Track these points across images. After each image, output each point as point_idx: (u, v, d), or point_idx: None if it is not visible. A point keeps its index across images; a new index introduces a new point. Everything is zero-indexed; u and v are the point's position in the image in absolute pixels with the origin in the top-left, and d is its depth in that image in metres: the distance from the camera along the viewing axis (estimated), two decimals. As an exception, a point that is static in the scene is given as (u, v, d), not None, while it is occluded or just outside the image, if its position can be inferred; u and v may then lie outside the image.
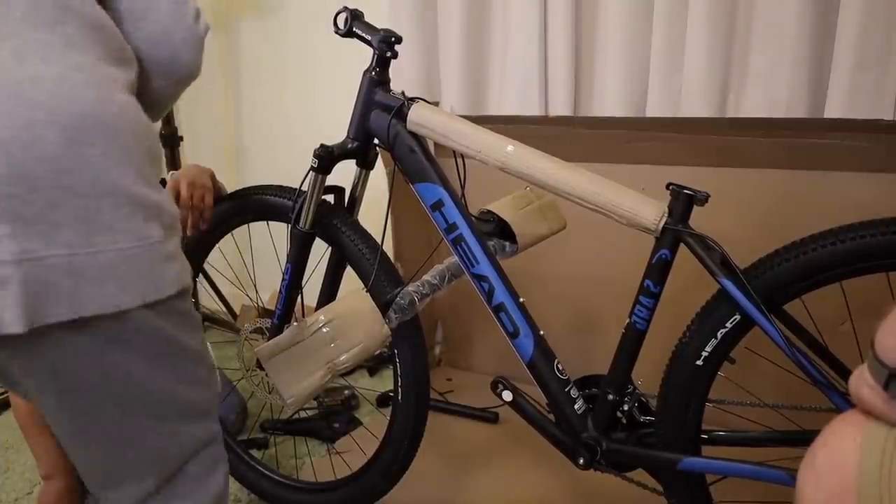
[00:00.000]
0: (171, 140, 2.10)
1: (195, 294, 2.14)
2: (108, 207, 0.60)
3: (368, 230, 1.18)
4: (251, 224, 1.32)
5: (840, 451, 0.55)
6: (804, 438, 0.90)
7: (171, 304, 0.68)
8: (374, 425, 1.62)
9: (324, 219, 1.17)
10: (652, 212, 0.91)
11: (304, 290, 1.22)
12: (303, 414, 1.74)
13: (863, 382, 0.55)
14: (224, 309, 2.16)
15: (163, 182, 1.30)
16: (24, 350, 0.61)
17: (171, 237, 0.68)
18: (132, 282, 0.62)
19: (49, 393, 0.66)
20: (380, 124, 1.09)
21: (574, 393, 1.04)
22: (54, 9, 0.59)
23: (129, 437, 0.70)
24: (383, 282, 1.13)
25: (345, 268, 1.25)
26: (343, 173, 1.20)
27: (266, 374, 1.14)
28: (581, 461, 1.03)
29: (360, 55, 1.13)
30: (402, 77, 1.80)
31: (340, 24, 1.11)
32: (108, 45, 0.65)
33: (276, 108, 2.26)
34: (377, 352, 1.17)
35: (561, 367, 1.04)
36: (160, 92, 0.77)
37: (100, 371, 0.65)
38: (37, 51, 0.57)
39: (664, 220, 0.91)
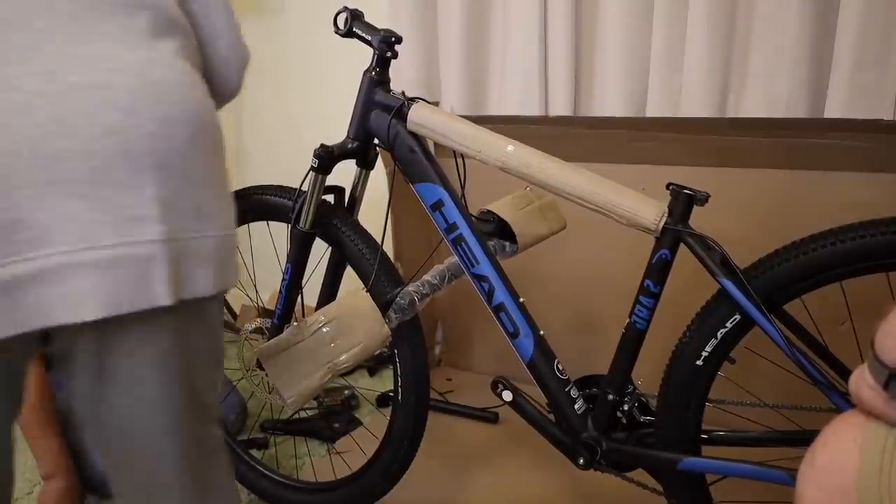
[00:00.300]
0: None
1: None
2: (210, 198, 0.67)
3: (368, 230, 1.18)
4: (251, 224, 1.32)
5: (840, 451, 0.55)
6: (804, 438, 0.90)
7: (223, 296, 0.74)
8: (374, 425, 1.62)
9: (324, 219, 1.17)
10: (652, 212, 0.91)
11: (304, 290, 1.22)
12: (303, 414, 1.74)
13: (863, 382, 0.55)
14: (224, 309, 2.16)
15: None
16: (138, 335, 0.65)
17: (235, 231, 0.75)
18: (222, 267, 0.69)
19: (143, 383, 0.66)
20: (380, 124, 1.09)
21: (574, 393, 1.04)
22: (167, 24, 0.67)
23: (181, 438, 0.70)
24: (383, 282, 1.13)
25: (345, 268, 1.25)
26: (343, 173, 1.20)
27: (266, 374, 1.14)
28: (581, 461, 1.03)
29: (361, 55, 1.13)
30: (402, 77, 1.80)
31: (340, 24, 1.12)
32: (197, 60, 0.74)
33: (276, 109, 2.26)
34: (377, 352, 1.17)
35: (561, 367, 1.04)
36: None
37: (186, 359, 0.69)
38: (161, 58, 0.65)
39: (664, 219, 0.91)
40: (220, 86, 0.81)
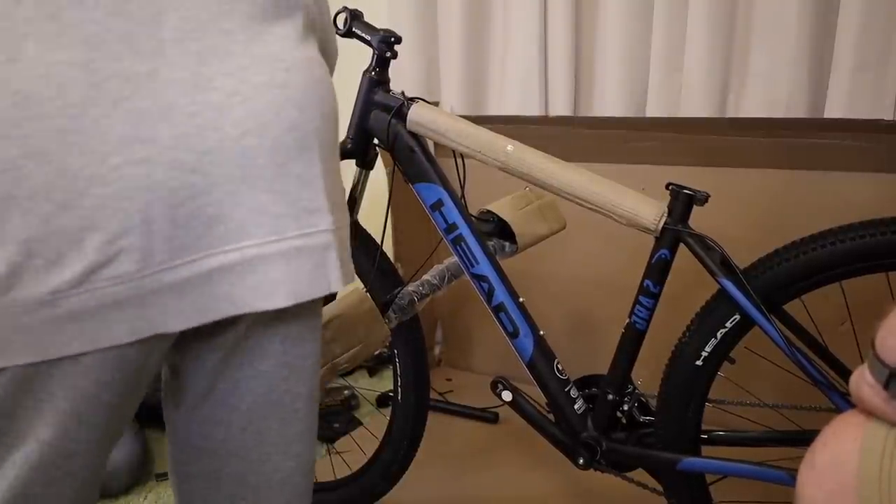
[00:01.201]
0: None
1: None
2: (340, 190, 0.70)
3: (368, 230, 1.18)
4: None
5: (840, 451, 0.54)
6: (804, 438, 0.90)
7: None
8: (373, 425, 1.62)
9: (324, 219, 1.17)
10: (652, 212, 0.91)
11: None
12: (303, 414, 1.74)
13: (863, 382, 0.55)
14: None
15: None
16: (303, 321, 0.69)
17: None
18: (342, 264, 0.70)
19: (247, 385, 0.68)
20: (379, 124, 1.08)
21: (574, 393, 1.04)
22: (311, 23, 0.69)
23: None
24: (383, 282, 1.13)
25: (345, 268, 1.25)
26: (343, 173, 1.19)
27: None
28: (581, 461, 1.03)
29: (361, 55, 1.12)
30: (402, 77, 1.80)
31: (340, 24, 1.11)
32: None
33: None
34: (377, 352, 1.17)
35: (561, 367, 1.04)
36: None
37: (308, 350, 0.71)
38: (315, 56, 0.67)
39: (664, 219, 0.91)
40: None
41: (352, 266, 0.72)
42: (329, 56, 0.79)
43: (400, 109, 1.06)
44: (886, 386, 0.52)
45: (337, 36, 1.11)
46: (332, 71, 0.82)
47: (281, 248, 0.61)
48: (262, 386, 0.69)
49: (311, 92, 0.64)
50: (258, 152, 0.59)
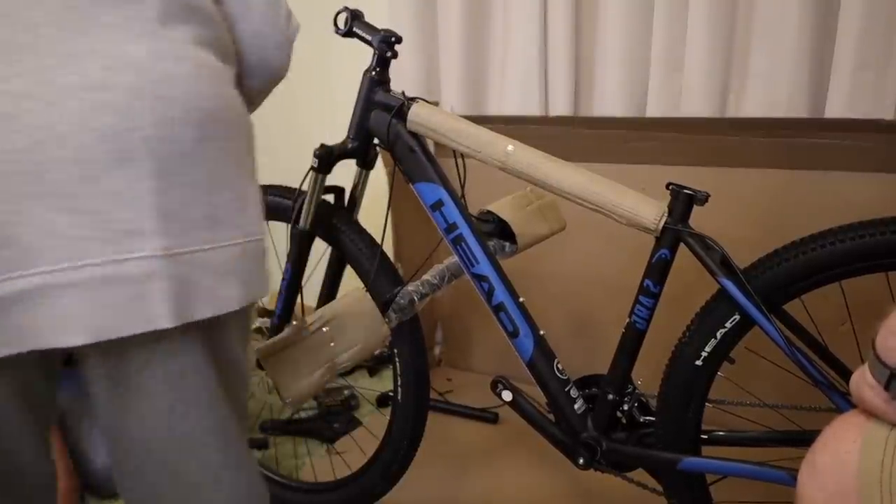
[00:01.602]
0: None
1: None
2: (227, 203, 0.61)
3: (368, 230, 1.18)
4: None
5: (840, 451, 0.54)
6: (804, 438, 0.90)
7: (251, 308, 0.68)
8: (373, 425, 1.62)
9: (324, 218, 1.17)
10: (652, 211, 0.91)
11: (304, 289, 1.22)
12: (302, 414, 1.74)
13: (864, 382, 0.55)
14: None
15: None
16: (146, 356, 0.60)
17: (265, 235, 0.68)
18: (247, 278, 0.62)
19: (156, 397, 0.62)
20: (380, 124, 1.08)
21: (574, 393, 1.04)
22: (181, 9, 0.60)
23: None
24: (383, 281, 1.13)
25: (345, 267, 1.25)
26: (343, 173, 1.20)
27: (266, 374, 1.14)
28: (581, 461, 1.03)
29: (361, 55, 1.12)
30: (402, 77, 1.80)
31: (340, 24, 1.12)
32: (222, 43, 0.67)
33: (277, 108, 2.25)
34: (377, 351, 1.17)
35: (561, 367, 1.04)
36: (251, 92, 0.79)
37: (205, 376, 0.64)
38: (170, 49, 0.58)
39: (664, 219, 0.91)
40: (258, 66, 0.75)
41: (255, 286, 0.63)
42: (245, 39, 0.71)
43: (400, 109, 1.06)
44: (887, 386, 0.52)
45: (339, 36, 1.11)
46: (275, 52, 0.74)
47: (79, 277, 0.53)
48: (156, 424, 0.62)
49: (142, 94, 0.55)
50: (56, 166, 0.51)
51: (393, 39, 1.08)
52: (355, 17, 1.11)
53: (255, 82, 0.78)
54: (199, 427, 0.65)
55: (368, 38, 1.09)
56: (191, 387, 0.63)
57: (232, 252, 0.61)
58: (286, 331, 1.14)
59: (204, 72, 0.60)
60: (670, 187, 0.92)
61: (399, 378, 1.17)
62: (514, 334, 1.03)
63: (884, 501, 0.50)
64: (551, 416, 1.06)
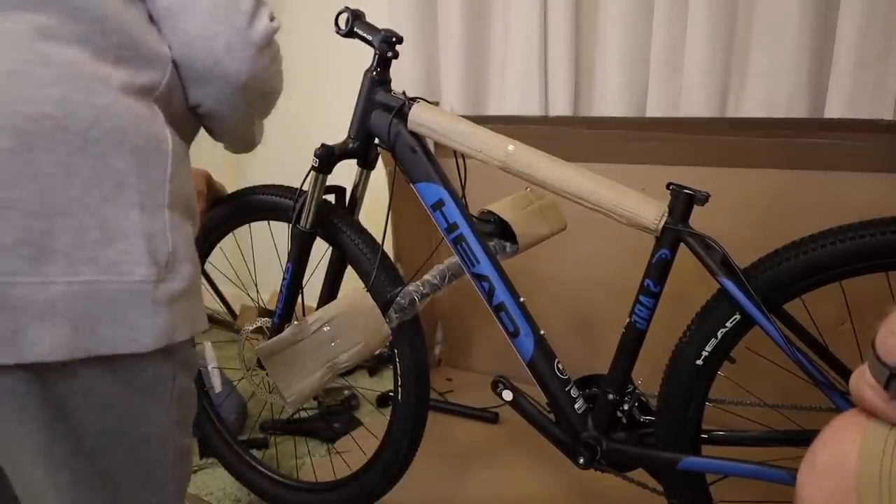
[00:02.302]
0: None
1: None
2: (64, 230, 0.50)
3: (369, 230, 1.18)
4: (252, 224, 1.32)
5: (840, 450, 0.55)
6: (804, 438, 0.90)
7: (133, 366, 0.56)
8: (374, 425, 1.62)
9: (324, 218, 1.17)
10: (652, 211, 0.92)
11: (304, 289, 1.22)
12: (303, 414, 1.74)
13: (864, 382, 0.55)
14: (224, 309, 2.16)
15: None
16: None
17: (168, 279, 0.56)
18: (88, 324, 0.51)
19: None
20: (381, 124, 1.09)
21: (574, 392, 1.04)
22: (55, 26, 0.51)
23: None
24: (383, 281, 1.13)
25: (345, 267, 1.26)
26: (344, 173, 1.20)
27: (266, 374, 1.14)
28: (581, 461, 1.03)
29: (361, 55, 1.13)
30: (402, 77, 1.80)
31: (341, 24, 1.12)
32: (108, 40, 0.56)
33: (277, 108, 2.25)
34: (377, 351, 1.17)
35: (561, 367, 1.04)
36: (214, 106, 0.67)
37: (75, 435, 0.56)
38: (9, 73, 0.49)
39: (664, 219, 0.91)
40: (206, 73, 0.63)
41: (99, 334, 0.52)
42: (206, 53, 0.60)
43: (401, 109, 1.06)
44: (887, 386, 0.52)
45: (339, 36, 1.11)
46: (229, 80, 0.62)
47: None
48: (102, 457, 0.56)
49: None
50: None
51: (394, 39, 1.08)
52: (356, 17, 1.11)
53: (207, 92, 0.65)
54: (154, 461, 0.59)
55: (369, 38, 1.09)
56: (135, 424, 0.56)
57: (63, 291, 0.50)
58: (287, 331, 1.14)
59: (39, 70, 0.50)
60: (670, 187, 0.92)
61: (399, 378, 1.17)
62: (514, 334, 1.03)
63: (883, 500, 0.51)
64: (552, 416, 1.06)
